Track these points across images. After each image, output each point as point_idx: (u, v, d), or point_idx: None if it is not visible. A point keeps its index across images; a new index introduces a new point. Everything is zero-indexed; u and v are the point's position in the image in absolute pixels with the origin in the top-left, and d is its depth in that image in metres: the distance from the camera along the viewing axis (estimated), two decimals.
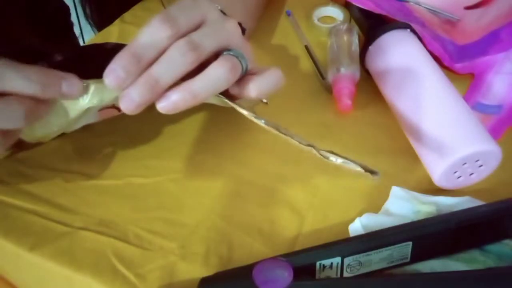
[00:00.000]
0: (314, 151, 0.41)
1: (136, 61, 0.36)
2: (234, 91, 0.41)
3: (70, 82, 0.37)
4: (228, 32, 0.40)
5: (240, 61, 0.39)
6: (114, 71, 0.36)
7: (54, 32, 0.69)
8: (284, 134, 0.41)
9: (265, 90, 0.40)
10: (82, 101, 0.39)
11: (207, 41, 0.38)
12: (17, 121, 0.36)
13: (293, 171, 0.49)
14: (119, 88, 0.37)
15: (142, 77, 0.36)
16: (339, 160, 0.40)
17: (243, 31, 0.53)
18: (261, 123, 0.41)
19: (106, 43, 0.55)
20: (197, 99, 0.37)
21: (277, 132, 0.41)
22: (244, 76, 0.41)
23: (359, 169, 0.39)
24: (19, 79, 0.35)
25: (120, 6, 0.71)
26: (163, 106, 0.37)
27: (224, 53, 0.39)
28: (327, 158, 0.40)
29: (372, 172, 0.39)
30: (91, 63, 0.52)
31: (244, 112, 0.41)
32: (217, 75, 0.38)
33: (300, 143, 0.41)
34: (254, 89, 0.40)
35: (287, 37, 0.66)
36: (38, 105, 0.37)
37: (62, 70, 0.50)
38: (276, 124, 0.41)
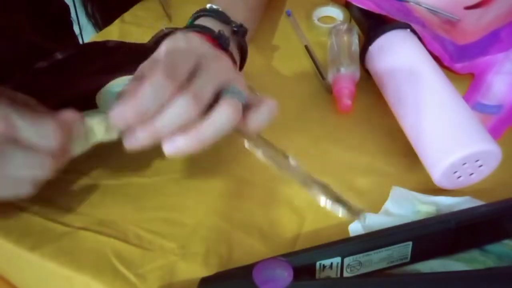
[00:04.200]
0: (310, 191, 0.43)
1: (140, 116, 0.37)
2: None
3: (79, 128, 0.39)
4: (223, 70, 0.40)
5: (239, 100, 0.40)
6: (119, 121, 0.37)
7: (54, 31, 0.69)
8: (278, 166, 0.44)
9: (262, 124, 0.41)
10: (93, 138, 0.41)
11: (207, 88, 0.38)
12: (42, 170, 0.37)
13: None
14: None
15: (147, 128, 0.37)
16: (328, 204, 0.41)
17: (245, 32, 0.53)
18: (258, 153, 0.43)
19: (108, 41, 0.55)
20: (203, 144, 0.38)
21: (271, 163, 0.44)
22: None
23: (344, 214, 0.40)
24: (36, 137, 0.36)
25: (122, 5, 0.71)
26: (169, 151, 0.38)
27: (224, 93, 0.39)
28: (318, 199, 0.42)
29: (358, 213, 0.41)
30: (93, 61, 0.52)
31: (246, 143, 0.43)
32: (222, 121, 0.38)
33: (293, 175, 0.44)
34: (252, 125, 0.41)
35: (287, 37, 0.66)
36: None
37: (63, 68, 0.51)
38: (274, 154, 0.43)
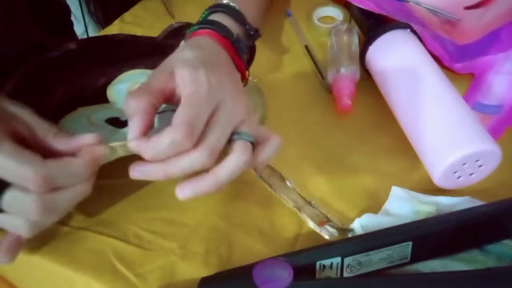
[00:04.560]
0: (301, 213, 0.45)
1: (156, 160, 0.39)
2: None
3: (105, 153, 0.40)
4: (238, 114, 0.41)
5: (250, 141, 0.41)
6: (137, 172, 0.40)
7: (55, 32, 0.69)
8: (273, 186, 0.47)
9: (268, 160, 0.43)
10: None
11: (222, 140, 0.40)
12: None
13: (293, 171, 0.49)
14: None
15: (160, 167, 0.39)
16: (316, 228, 0.44)
17: (259, 37, 0.52)
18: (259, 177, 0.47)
19: (118, 34, 0.56)
20: (219, 188, 0.39)
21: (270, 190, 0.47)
22: None
23: (332, 237, 0.44)
24: (71, 180, 0.38)
25: (124, 2, 0.71)
26: (185, 196, 0.40)
27: (236, 136, 0.41)
28: (307, 222, 0.45)
29: (346, 233, 0.44)
30: (103, 53, 0.54)
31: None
32: (237, 165, 0.39)
33: (287, 199, 0.46)
34: (259, 162, 0.42)
35: (287, 37, 0.66)
36: None
37: (74, 59, 0.53)
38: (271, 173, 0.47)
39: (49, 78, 0.51)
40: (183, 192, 0.39)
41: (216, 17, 0.49)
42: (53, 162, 0.37)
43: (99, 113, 0.49)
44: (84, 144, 0.39)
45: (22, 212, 0.37)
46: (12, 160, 0.35)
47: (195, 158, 0.38)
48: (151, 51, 0.55)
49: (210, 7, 0.50)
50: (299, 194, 0.47)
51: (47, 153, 0.39)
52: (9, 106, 0.39)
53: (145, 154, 0.38)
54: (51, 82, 0.51)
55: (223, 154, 0.40)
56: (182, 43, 0.47)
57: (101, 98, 0.51)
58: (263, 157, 0.42)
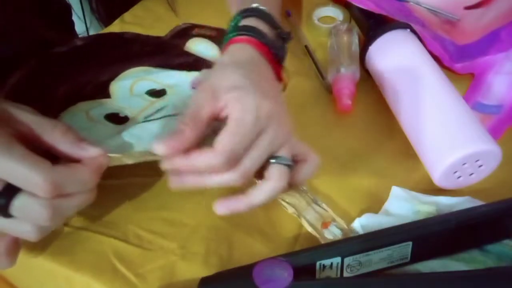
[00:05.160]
0: (300, 219, 0.46)
1: (190, 169, 0.39)
2: None
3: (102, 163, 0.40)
4: (278, 140, 0.41)
5: (288, 165, 0.41)
6: (170, 162, 0.39)
7: (56, 31, 0.69)
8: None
9: (305, 180, 0.44)
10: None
11: (256, 164, 0.40)
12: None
13: None
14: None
15: (194, 178, 0.40)
16: (322, 234, 0.44)
17: (289, 33, 0.50)
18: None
19: (126, 32, 0.56)
20: (251, 209, 0.40)
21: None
22: None
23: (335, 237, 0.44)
24: (78, 187, 0.38)
25: (125, 2, 0.71)
26: (222, 212, 0.41)
27: (273, 162, 0.41)
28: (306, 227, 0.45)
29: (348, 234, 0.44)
30: (109, 50, 0.54)
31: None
32: (273, 192, 0.40)
33: (287, 205, 0.47)
34: (296, 183, 0.43)
35: None
36: None
37: (81, 54, 0.53)
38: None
39: (54, 72, 0.52)
40: (220, 208, 0.41)
41: (249, 22, 0.47)
42: (62, 168, 0.37)
43: (98, 108, 0.50)
44: (89, 157, 0.39)
45: (31, 218, 0.37)
46: (23, 166, 0.35)
47: (226, 178, 0.39)
48: (157, 50, 0.56)
49: (241, 12, 0.48)
50: (306, 192, 0.46)
51: (51, 151, 0.39)
52: (10, 107, 0.39)
53: (180, 166, 0.39)
54: (56, 76, 0.51)
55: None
56: (221, 56, 0.46)
57: (102, 94, 0.52)
58: (301, 177, 0.43)
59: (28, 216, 0.37)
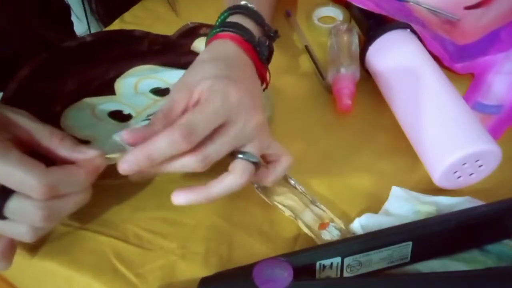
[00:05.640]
0: (297, 221, 0.45)
1: (149, 162, 0.38)
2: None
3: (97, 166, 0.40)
4: (248, 135, 0.41)
5: (254, 162, 0.41)
6: (129, 164, 0.38)
7: (55, 31, 0.69)
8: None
9: (275, 180, 0.44)
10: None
11: (220, 152, 0.40)
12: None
13: (293, 171, 0.49)
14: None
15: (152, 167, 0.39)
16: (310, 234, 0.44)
17: (276, 32, 0.51)
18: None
19: (134, 30, 0.57)
20: (210, 201, 0.40)
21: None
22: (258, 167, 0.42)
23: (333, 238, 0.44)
24: (73, 188, 0.39)
25: (124, 2, 0.71)
26: (178, 202, 0.41)
27: (239, 156, 0.41)
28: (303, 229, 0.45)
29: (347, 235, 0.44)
30: (118, 47, 0.55)
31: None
32: (232, 186, 0.40)
33: (284, 208, 0.46)
34: (265, 181, 0.43)
35: (287, 37, 0.66)
36: None
37: (89, 50, 0.54)
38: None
39: (63, 67, 0.52)
40: (177, 198, 0.41)
41: (235, 19, 0.48)
42: (56, 170, 0.37)
43: (103, 105, 0.50)
44: (87, 159, 0.39)
45: (25, 219, 0.37)
46: (18, 169, 0.35)
47: (186, 161, 0.39)
48: (164, 49, 0.56)
49: (228, 9, 0.49)
50: (304, 193, 0.47)
51: (48, 155, 0.39)
52: (6, 112, 0.39)
53: (139, 160, 0.38)
54: (64, 71, 0.52)
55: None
56: (202, 51, 0.46)
57: (108, 90, 0.52)
58: (272, 176, 0.43)
59: (22, 217, 0.37)
